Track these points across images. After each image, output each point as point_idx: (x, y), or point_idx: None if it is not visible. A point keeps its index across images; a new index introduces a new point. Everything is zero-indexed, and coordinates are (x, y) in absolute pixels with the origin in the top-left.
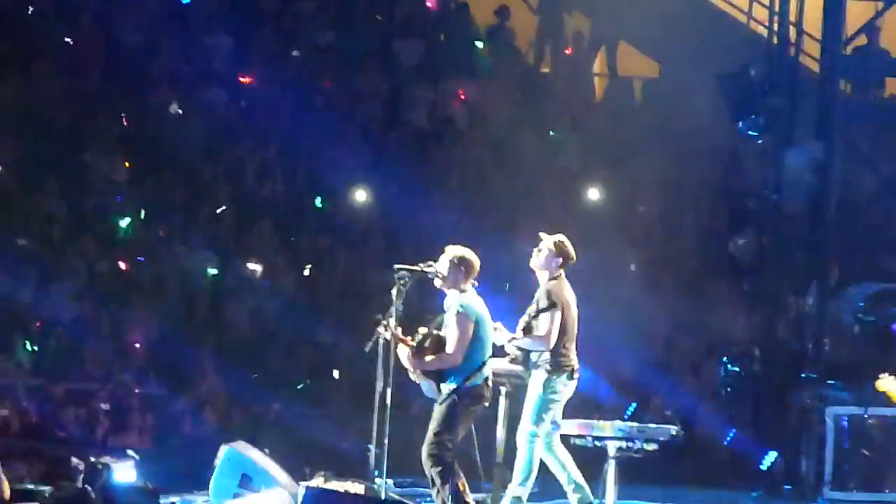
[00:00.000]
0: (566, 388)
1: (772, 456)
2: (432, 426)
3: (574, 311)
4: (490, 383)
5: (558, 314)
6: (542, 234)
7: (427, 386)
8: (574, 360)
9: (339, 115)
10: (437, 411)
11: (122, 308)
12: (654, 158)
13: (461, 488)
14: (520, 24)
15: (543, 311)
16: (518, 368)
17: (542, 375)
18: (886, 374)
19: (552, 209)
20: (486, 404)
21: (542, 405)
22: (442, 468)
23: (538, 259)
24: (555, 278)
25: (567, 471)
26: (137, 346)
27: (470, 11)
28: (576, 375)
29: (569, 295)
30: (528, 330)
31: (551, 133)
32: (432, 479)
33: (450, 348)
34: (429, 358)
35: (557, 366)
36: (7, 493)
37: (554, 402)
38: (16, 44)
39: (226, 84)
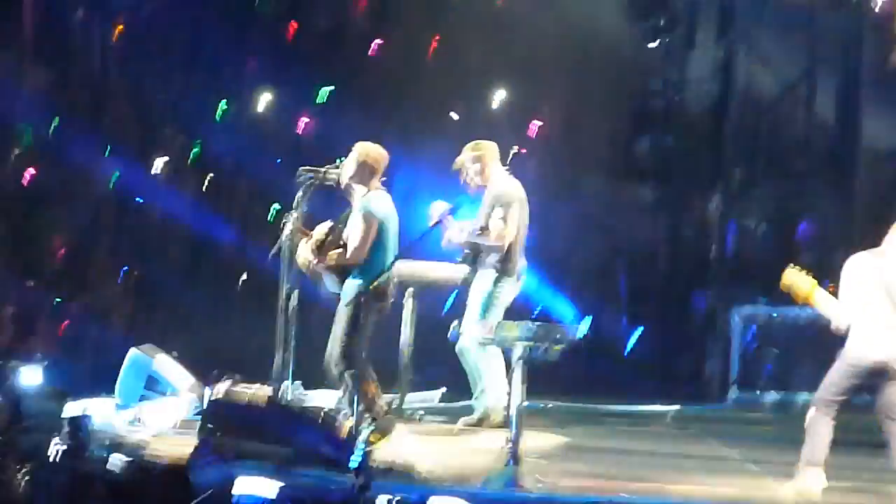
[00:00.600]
0: (513, 290)
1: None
2: (338, 329)
3: (525, 213)
4: (394, 283)
5: (514, 213)
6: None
7: (329, 280)
8: (521, 263)
9: (244, 19)
10: (343, 312)
11: (29, 217)
12: (557, 62)
13: (373, 390)
14: None
15: (497, 211)
16: (431, 272)
17: (490, 275)
18: (791, 266)
19: (456, 114)
20: (392, 300)
21: (487, 305)
22: (353, 371)
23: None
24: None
25: (483, 378)
26: (45, 252)
27: None
28: (522, 278)
29: (520, 195)
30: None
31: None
32: (343, 381)
33: (352, 244)
34: (332, 253)
35: (506, 268)
36: None
37: (500, 303)
38: None
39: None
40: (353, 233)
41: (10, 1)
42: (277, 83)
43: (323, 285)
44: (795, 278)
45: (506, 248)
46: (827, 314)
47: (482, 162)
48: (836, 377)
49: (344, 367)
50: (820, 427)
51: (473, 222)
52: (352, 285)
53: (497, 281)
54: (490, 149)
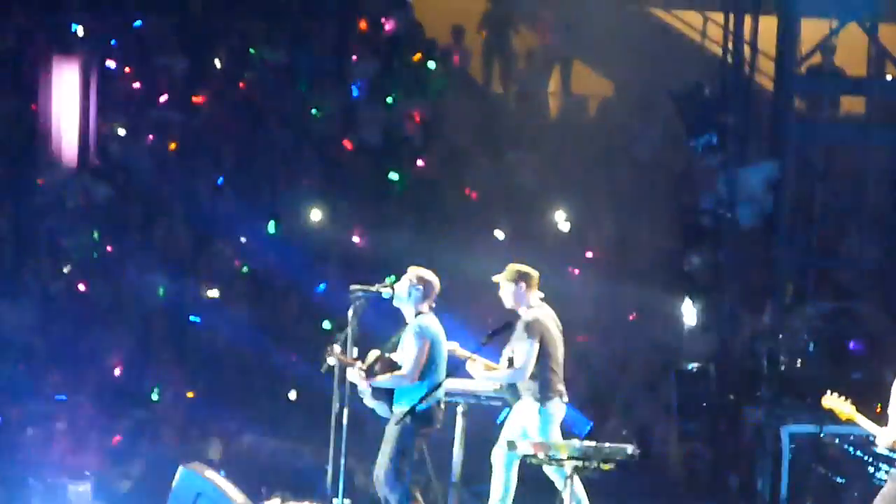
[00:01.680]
0: (558, 412)
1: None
2: (385, 449)
3: (556, 336)
4: (443, 406)
5: (536, 344)
6: (495, 278)
7: (380, 407)
8: (559, 384)
9: (294, 134)
10: (390, 432)
11: (79, 329)
12: (610, 177)
13: None
14: (476, 43)
15: (519, 341)
16: (480, 387)
17: (532, 404)
18: (829, 393)
19: (507, 230)
20: (439, 426)
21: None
22: (399, 494)
23: (505, 295)
24: (530, 307)
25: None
26: (96, 366)
27: (424, 32)
28: (564, 399)
29: (549, 322)
30: (510, 362)
31: (507, 153)
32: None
33: (405, 368)
34: (386, 374)
35: (544, 395)
36: None
37: (546, 428)
38: None
39: (180, 104)
40: (407, 354)
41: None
42: (329, 200)
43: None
44: (834, 404)
45: (538, 376)
46: (871, 433)
47: (519, 288)
48: (889, 498)
49: (390, 489)
50: None
51: (506, 350)
52: (400, 406)
53: (539, 412)
54: (529, 277)
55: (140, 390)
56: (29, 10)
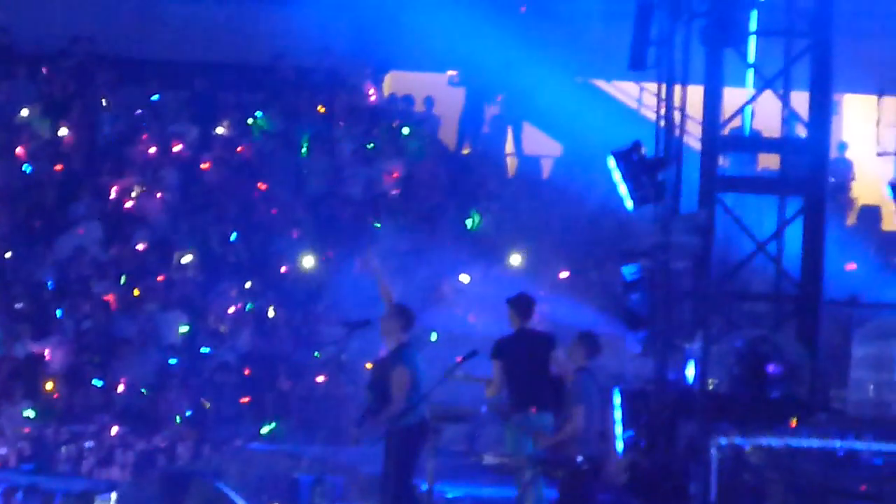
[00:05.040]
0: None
1: None
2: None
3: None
4: (426, 421)
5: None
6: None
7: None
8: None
9: (288, 191)
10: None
11: (106, 359)
12: (563, 227)
13: None
14: (447, 109)
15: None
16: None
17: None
18: None
19: (473, 273)
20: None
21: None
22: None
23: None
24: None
25: None
26: (119, 391)
27: (402, 101)
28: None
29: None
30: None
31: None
32: None
33: (394, 397)
34: (381, 416)
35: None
36: None
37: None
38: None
39: (190, 167)
40: (394, 385)
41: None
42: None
43: None
44: None
45: (505, 397)
46: None
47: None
48: None
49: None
50: None
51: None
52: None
53: (509, 428)
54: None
55: (157, 412)
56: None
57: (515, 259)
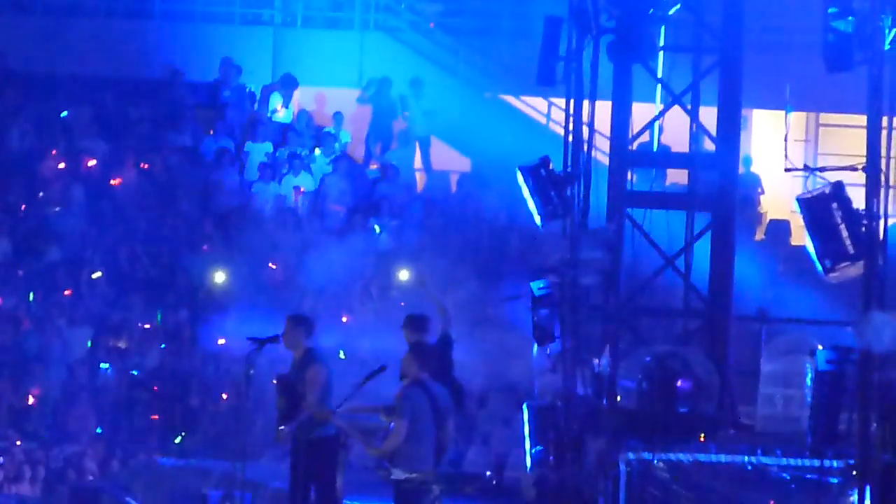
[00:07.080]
0: None
1: None
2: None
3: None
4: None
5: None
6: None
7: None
8: None
9: (197, 207)
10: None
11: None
12: (469, 239)
13: None
14: (355, 124)
15: None
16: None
17: None
18: None
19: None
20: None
21: None
22: None
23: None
24: None
25: None
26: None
27: (311, 117)
28: None
29: None
30: None
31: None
32: None
33: (312, 394)
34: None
35: None
36: None
37: None
38: None
39: (101, 183)
40: (310, 388)
41: None
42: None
43: None
44: None
45: None
46: None
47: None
48: None
49: None
50: None
51: None
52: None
53: None
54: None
55: (66, 428)
56: None
57: (416, 275)
